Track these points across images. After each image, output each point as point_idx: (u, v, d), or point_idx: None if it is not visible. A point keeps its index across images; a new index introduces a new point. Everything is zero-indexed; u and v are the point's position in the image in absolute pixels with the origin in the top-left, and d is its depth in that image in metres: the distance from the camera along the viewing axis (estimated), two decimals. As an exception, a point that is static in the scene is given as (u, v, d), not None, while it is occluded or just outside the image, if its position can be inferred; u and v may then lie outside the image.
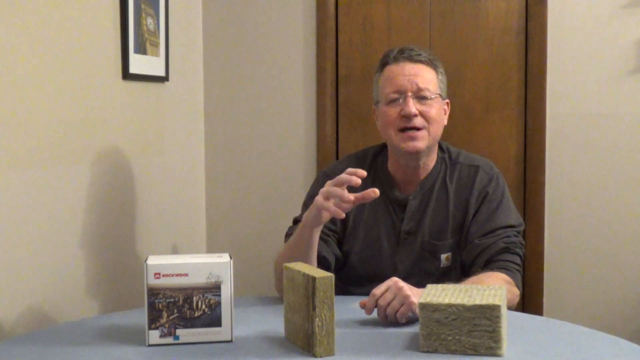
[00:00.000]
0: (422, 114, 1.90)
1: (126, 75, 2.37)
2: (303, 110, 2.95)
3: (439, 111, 1.93)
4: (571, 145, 2.78)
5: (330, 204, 1.66)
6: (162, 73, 2.62)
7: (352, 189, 1.67)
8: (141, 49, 2.45)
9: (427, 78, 1.92)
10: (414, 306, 1.58)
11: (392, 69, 1.94)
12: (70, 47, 2.10)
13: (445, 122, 2.00)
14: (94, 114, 2.22)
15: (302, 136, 2.96)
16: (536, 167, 2.80)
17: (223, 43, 3.00)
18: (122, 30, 2.34)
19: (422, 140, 1.90)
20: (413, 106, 1.89)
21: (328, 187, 1.68)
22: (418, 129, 1.90)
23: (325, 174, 2.06)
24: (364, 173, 1.66)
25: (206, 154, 3.04)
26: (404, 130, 1.90)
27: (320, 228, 1.78)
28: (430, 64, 1.94)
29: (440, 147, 2.03)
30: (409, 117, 1.89)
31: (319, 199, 1.68)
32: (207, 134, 3.03)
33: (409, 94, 1.90)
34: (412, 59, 1.93)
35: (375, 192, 1.66)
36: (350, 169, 1.67)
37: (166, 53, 2.63)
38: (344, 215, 1.67)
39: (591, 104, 2.75)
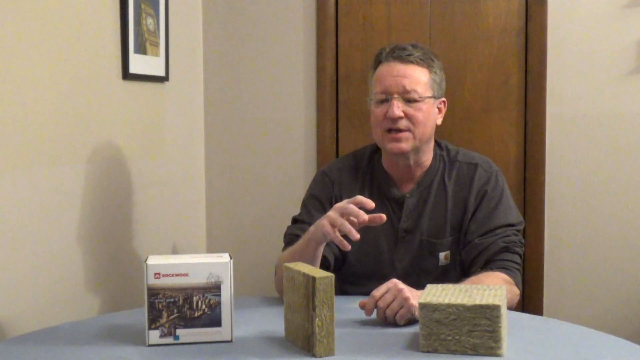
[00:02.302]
0: (408, 116, 1.89)
1: (126, 75, 2.37)
2: (303, 110, 2.95)
3: (427, 113, 1.91)
4: (571, 145, 2.78)
5: (338, 235, 1.66)
6: (162, 73, 2.62)
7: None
8: (141, 49, 2.45)
9: (415, 79, 1.90)
10: (413, 308, 1.58)
11: (383, 68, 1.93)
12: (70, 47, 2.10)
13: (439, 121, 1.99)
14: (93, 113, 2.22)
15: (302, 136, 2.96)
16: (536, 167, 2.80)
17: (223, 43, 3.00)
18: (122, 30, 2.34)
19: (406, 142, 1.89)
20: (398, 109, 1.88)
21: (343, 205, 1.67)
22: (402, 130, 1.89)
23: (323, 172, 2.07)
24: (372, 204, 1.67)
25: (206, 154, 3.04)
26: (390, 131, 1.90)
27: (325, 243, 1.77)
28: (423, 63, 1.92)
29: (439, 145, 2.02)
30: (393, 119, 1.88)
31: (327, 227, 1.67)
32: (207, 134, 3.03)
33: (395, 95, 1.89)
34: (402, 59, 1.91)
35: (382, 217, 1.67)
36: (359, 198, 1.67)
37: (166, 53, 2.63)
38: (349, 247, 1.68)
39: (591, 104, 2.75)
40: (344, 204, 1.68)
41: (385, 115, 1.90)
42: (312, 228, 1.76)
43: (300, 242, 1.82)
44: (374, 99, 1.94)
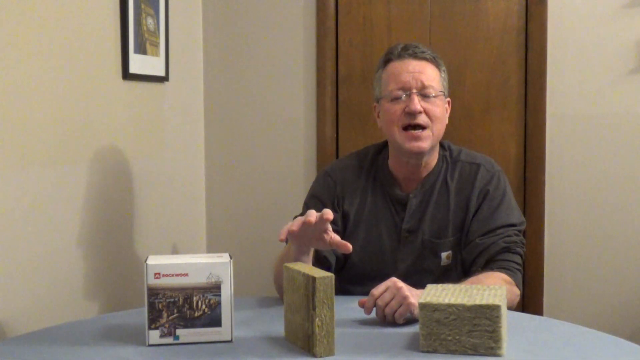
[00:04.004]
0: (426, 112, 1.89)
1: (126, 75, 2.37)
2: (303, 110, 2.95)
3: (442, 109, 1.93)
4: (571, 145, 2.78)
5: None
6: (162, 73, 2.62)
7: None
8: (141, 49, 2.45)
9: (431, 75, 1.91)
10: (412, 307, 1.58)
11: (396, 65, 1.93)
12: (70, 47, 2.10)
13: (447, 120, 1.99)
14: (94, 114, 2.22)
15: (302, 136, 2.96)
16: (536, 167, 2.80)
17: (223, 43, 3.00)
18: (122, 30, 2.34)
19: (426, 140, 1.89)
20: (418, 103, 1.88)
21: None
22: (422, 127, 1.89)
23: (326, 173, 2.06)
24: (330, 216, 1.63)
25: (206, 154, 3.04)
26: (407, 128, 1.90)
27: (311, 254, 1.76)
28: (434, 61, 1.94)
29: (442, 145, 2.03)
30: (413, 114, 1.88)
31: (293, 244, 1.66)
32: (207, 134, 3.03)
33: (414, 90, 1.89)
34: (416, 56, 1.92)
35: (348, 247, 1.64)
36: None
37: (166, 53, 2.63)
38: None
39: (591, 104, 2.75)
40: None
41: (404, 111, 1.89)
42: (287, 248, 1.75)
43: (285, 253, 1.81)
44: (388, 97, 1.93)
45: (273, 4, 2.95)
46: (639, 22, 2.69)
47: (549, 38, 2.76)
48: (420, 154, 1.91)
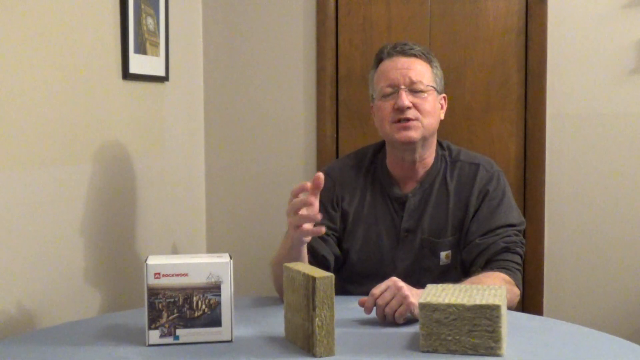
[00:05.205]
0: (415, 107, 1.91)
1: (126, 75, 2.37)
2: (303, 110, 2.95)
3: (433, 104, 1.94)
4: (571, 145, 2.78)
5: (310, 228, 1.66)
6: (162, 73, 2.62)
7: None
8: (141, 49, 2.45)
9: (420, 71, 1.93)
10: (412, 306, 1.58)
11: (386, 64, 1.96)
12: (71, 47, 2.10)
13: (442, 116, 2.00)
14: (94, 113, 2.22)
15: (302, 136, 2.96)
16: (536, 167, 2.80)
17: (223, 43, 3.00)
18: (122, 30, 2.34)
19: (416, 130, 1.91)
20: (406, 99, 1.90)
21: (293, 207, 1.66)
22: (411, 119, 1.90)
23: (325, 173, 2.06)
24: (320, 175, 1.67)
25: (206, 154, 3.04)
26: (398, 121, 1.91)
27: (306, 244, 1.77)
28: (424, 57, 1.96)
29: (441, 145, 2.03)
30: (402, 109, 1.89)
31: (297, 232, 1.67)
32: (207, 134, 3.03)
33: (402, 87, 1.91)
34: (405, 53, 1.95)
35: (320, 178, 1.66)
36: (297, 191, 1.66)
37: (166, 53, 2.63)
38: (324, 230, 1.69)
39: (591, 104, 2.75)
40: (292, 206, 1.66)
41: (393, 107, 1.91)
42: (287, 241, 1.75)
43: (282, 252, 1.80)
44: (379, 94, 1.96)
45: (273, 4, 2.95)
46: (639, 22, 2.69)
47: (549, 38, 2.76)
48: (410, 144, 1.92)
